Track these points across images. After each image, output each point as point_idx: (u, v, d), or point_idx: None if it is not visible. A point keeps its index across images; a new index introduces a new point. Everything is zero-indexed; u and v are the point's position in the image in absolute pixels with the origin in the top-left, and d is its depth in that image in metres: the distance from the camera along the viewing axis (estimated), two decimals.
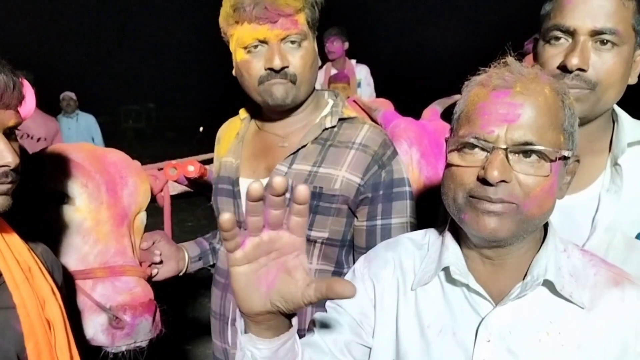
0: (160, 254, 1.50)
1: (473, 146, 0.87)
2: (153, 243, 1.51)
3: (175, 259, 1.55)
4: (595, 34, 1.07)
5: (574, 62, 1.06)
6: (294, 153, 1.39)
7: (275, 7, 1.27)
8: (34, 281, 1.03)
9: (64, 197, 1.36)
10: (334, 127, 1.41)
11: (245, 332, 0.82)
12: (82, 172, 1.38)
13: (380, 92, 5.07)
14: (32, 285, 1.01)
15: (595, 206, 1.16)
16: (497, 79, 0.87)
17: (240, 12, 1.29)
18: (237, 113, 1.62)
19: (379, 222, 1.37)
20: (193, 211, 7.05)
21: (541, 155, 0.85)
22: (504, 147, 0.84)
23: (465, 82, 0.95)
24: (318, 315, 1.06)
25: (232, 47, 1.39)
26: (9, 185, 0.95)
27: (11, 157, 0.93)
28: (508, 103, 0.85)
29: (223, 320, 1.48)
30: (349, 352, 1.01)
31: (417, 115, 2.04)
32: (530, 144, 0.84)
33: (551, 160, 0.85)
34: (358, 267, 1.09)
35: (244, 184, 1.46)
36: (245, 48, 1.33)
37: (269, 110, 1.44)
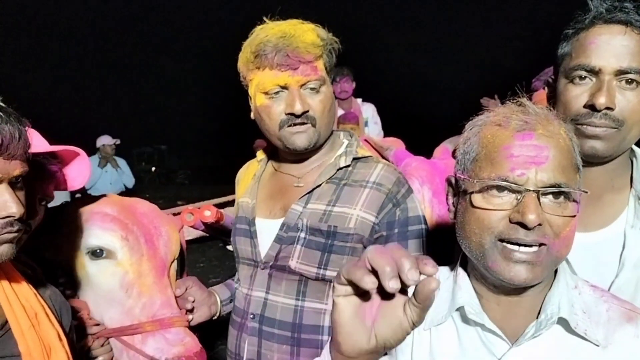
0: (194, 301, 1.50)
1: (500, 188, 0.86)
2: (186, 289, 1.51)
3: (207, 304, 1.54)
4: (620, 73, 1.07)
5: (601, 101, 1.06)
6: (309, 192, 1.40)
7: (297, 54, 1.30)
8: (40, 327, 1.01)
9: (102, 252, 1.36)
10: (348, 166, 1.42)
11: None
12: (121, 225, 1.39)
13: (386, 130, 5.12)
14: (38, 332, 1.00)
15: (621, 243, 1.14)
16: (517, 121, 0.88)
17: (262, 58, 1.32)
18: (246, 154, 1.66)
19: None
20: (204, 252, 7.05)
21: (567, 196, 0.85)
22: (535, 189, 0.84)
23: (470, 122, 0.95)
24: None
25: (251, 92, 1.41)
26: (15, 234, 0.93)
27: (16, 207, 0.91)
28: (535, 146, 0.85)
29: None
30: None
31: (424, 153, 2.07)
32: (559, 185, 0.84)
33: (575, 201, 0.86)
34: None
35: (260, 224, 1.47)
36: (266, 93, 1.35)
37: (287, 153, 1.46)
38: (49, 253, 1.33)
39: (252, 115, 1.46)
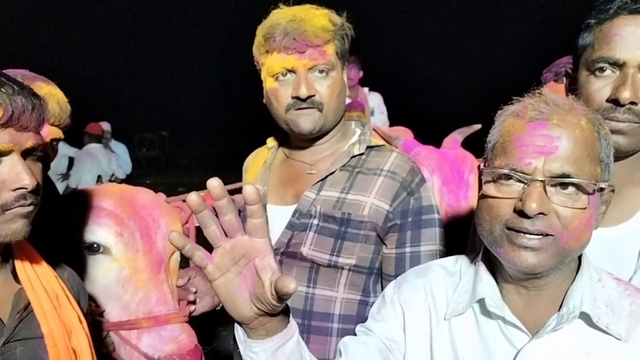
0: (196, 292, 1.50)
1: (509, 177, 0.86)
2: (188, 279, 1.51)
3: (210, 294, 1.54)
4: None
5: (625, 95, 1.04)
6: (322, 180, 1.40)
7: (304, 38, 1.31)
8: (61, 309, 1.01)
9: (99, 247, 1.36)
10: (362, 154, 1.42)
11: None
12: (116, 220, 1.38)
13: (392, 120, 5.09)
14: (59, 314, 1.00)
15: None
16: (532, 111, 0.87)
17: (271, 42, 1.34)
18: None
19: (408, 249, 1.36)
20: None
21: (579, 187, 0.84)
22: (542, 179, 0.83)
23: (498, 112, 0.94)
24: (347, 338, 1.06)
25: (262, 76, 1.43)
26: (29, 208, 0.91)
27: (29, 179, 0.89)
28: (545, 135, 0.84)
29: None
30: None
31: (431, 144, 2.05)
32: (568, 176, 0.83)
33: (589, 193, 0.84)
34: (388, 292, 1.08)
35: (272, 211, 1.46)
36: (274, 76, 1.36)
37: (297, 138, 1.46)
38: (53, 245, 1.32)
39: (264, 100, 1.46)
